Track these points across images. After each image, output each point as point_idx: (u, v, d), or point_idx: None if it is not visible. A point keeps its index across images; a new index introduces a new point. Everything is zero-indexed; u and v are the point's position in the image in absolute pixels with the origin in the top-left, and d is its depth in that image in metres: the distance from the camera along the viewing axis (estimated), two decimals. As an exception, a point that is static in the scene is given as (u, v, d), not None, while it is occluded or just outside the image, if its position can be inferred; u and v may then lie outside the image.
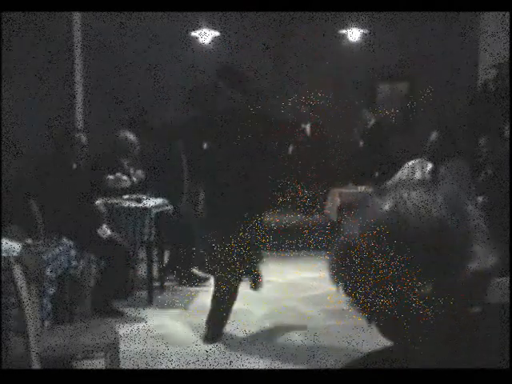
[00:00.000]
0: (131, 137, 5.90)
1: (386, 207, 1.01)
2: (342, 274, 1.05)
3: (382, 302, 1.01)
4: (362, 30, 9.27)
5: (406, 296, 0.98)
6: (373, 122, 8.59)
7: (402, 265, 0.97)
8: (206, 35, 9.04)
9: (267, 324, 4.95)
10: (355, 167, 8.50)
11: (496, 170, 5.17)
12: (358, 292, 1.04)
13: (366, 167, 8.22)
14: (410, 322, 0.99)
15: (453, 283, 0.97)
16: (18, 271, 3.00)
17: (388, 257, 0.98)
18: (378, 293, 1.00)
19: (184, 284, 6.13)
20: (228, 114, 4.38)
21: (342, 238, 1.04)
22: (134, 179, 5.83)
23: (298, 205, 9.28)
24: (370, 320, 1.05)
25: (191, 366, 4.02)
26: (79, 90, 7.16)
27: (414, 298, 0.97)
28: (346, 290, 1.05)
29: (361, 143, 8.82)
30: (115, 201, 5.42)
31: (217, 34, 9.02)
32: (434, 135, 5.40)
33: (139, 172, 5.93)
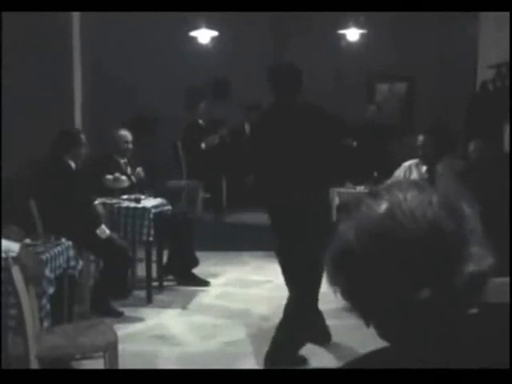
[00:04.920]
0: (130, 136, 5.90)
1: (381, 210, 1.00)
2: (338, 278, 1.05)
3: (379, 306, 1.01)
4: (360, 31, 9.27)
5: (403, 299, 0.98)
6: (372, 122, 8.58)
7: (399, 268, 0.97)
8: (205, 35, 9.02)
9: (267, 324, 4.94)
10: (354, 167, 8.47)
11: (495, 170, 5.16)
12: (355, 296, 1.04)
13: (365, 167, 8.19)
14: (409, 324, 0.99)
15: (450, 286, 0.97)
16: (16, 271, 3.00)
17: (383, 260, 0.98)
18: (374, 297, 1.00)
19: (183, 284, 6.11)
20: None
21: (337, 241, 1.03)
22: (134, 179, 5.82)
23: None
24: (368, 324, 1.05)
25: (191, 366, 4.02)
26: (79, 89, 7.15)
27: (411, 302, 0.97)
28: (342, 295, 1.05)
29: (360, 143, 8.80)
30: (114, 201, 5.42)
31: (216, 33, 9.01)
32: (432, 135, 5.40)
33: (138, 171, 5.92)
